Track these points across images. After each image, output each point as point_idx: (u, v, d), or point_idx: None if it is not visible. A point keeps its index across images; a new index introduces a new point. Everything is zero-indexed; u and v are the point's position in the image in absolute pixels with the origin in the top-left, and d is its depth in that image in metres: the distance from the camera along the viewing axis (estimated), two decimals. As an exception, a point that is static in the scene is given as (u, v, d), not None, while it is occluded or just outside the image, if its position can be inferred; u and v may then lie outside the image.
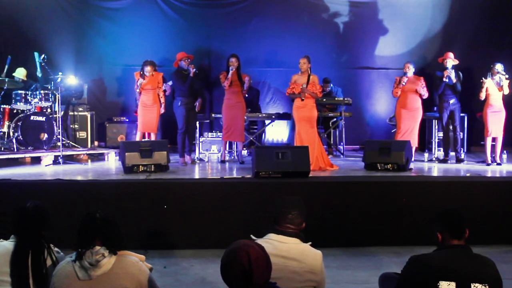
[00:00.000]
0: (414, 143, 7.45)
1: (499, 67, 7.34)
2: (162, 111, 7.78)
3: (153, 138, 7.64)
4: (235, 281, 2.11)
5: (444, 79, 7.47)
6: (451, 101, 7.60)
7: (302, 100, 6.91)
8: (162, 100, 7.69)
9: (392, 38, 9.96)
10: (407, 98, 7.48)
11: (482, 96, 7.35)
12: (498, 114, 7.37)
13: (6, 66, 7.97)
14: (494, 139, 7.49)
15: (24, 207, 2.80)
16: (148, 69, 7.41)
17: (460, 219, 2.73)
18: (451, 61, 7.58)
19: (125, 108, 9.79)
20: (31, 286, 2.62)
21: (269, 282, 2.16)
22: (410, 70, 7.50)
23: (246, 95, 8.94)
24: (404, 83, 7.42)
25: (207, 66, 9.81)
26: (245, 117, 8.75)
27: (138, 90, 7.45)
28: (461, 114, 8.12)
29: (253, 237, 2.81)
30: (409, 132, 7.47)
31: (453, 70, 7.49)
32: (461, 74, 7.62)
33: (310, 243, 2.78)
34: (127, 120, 9.33)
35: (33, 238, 2.72)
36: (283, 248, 2.66)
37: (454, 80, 7.45)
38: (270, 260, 2.18)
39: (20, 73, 8.08)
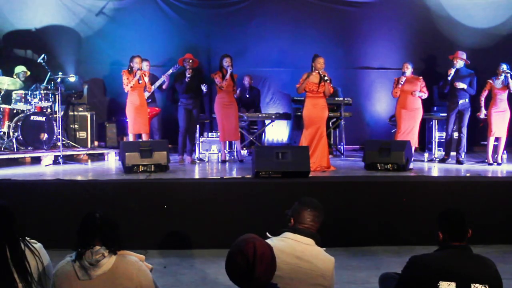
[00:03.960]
0: (414, 143, 7.44)
1: (504, 67, 7.34)
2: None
3: (144, 138, 7.45)
4: (237, 272, 2.10)
5: (448, 77, 7.45)
6: (460, 102, 7.53)
7: (326, 80, 6.68)
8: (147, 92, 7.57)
9: (392, 38, 9.96)
10: (407, 98, 7.47)
11: (483, 95, 7.44)
12: (503, 114, 7.37)
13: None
14: (497, 139, 7.48)
15: None
16: (138, 60, 7.22)
17: (462, 221, 2.71)
18: (460, 61, 7.53)
19: (125, 108, 9.77)
20: (16, 279, 2.62)
21: (271, 283, 2.16)
22: (409, 69, 7.50)
23: (247, 95, 8.95)
24: (402, 83, 7.42)
25: (207, 66, 9.81)
26: (245, 117, 8.78)
27: (130, 87, 7.22)
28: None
29: (269, 235, 2.81)
30: (409, 132, 7.46)
31: (461, 83, 7.42)
32: (475, 79, 7.54)
33: (324, 248, 2.78)
34: (127, 120, 9.31)
35: (5, 234, 2.71)
36: (298, 248, 2.65)
37: (462, 86, 7.40)
38: (276, 262, 2.17)
39: (21, 69, 8.12)
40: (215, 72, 7.63)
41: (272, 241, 2.71)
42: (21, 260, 2.65)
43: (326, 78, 6.71)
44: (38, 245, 2.80)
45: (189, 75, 7.36)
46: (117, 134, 9.18)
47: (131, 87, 7.25)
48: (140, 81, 7.26)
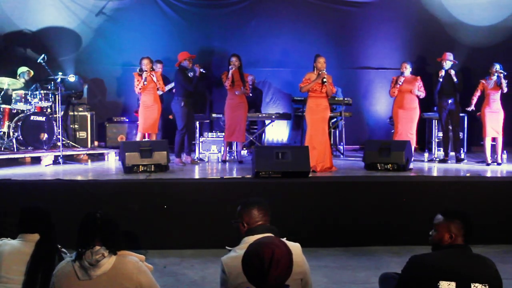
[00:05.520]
0: (413, 143, 7.44)
1: (497, 67, 7.36)
2: None
3: (153, 138, 7.57)
4: (250, 272, 2.10)
5: (439, 79, 7.51)
6: (450, 101, 7.61)
7: (324, 83, 6.71)
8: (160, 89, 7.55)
9: (392, 38, 9.96)
10: (404, 98, 7.48)
11: (476, 95, 7.49)
12: (496, 114, 7.39)
13: None
14: (494, 139, 7.50)
15: (43, 209, 2.87)
16: (145, 62, 7.28)
17: (470, 224, 2.71)
18: (449, 62, 7.63)
19: (125, 108, 9.79)
20: (37, 283, 2.65)
21: (284, 285, 2.15)
22: (407, 69, 7.50)
23: (250, 94, 8.93)
24: (400, 83, 7.42)
25: (207, 66, 9.81)
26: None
27: (139, 88, 7.27)
28: (461, 114, 8.15)
29: (228, 248, 2.76)
30: (407, 132, 7.46)
31: (453, 71, 7.51)
32: (460, 74, 7.66)
33: (285, 238, 2.77)
34: (127, 120, 9.33)
35: (54, 238, 2.77)
36: None
37: (455, 79, 7.47)
38: (292, 267, 2.16)
39: (25, 69, 8.14)
40: (223, 72, 7.64)
41: (235, 251, 2.66)
42: (52, 268, 2.67)
43: (325, 80, 6.71)
44: (67, 256, 2.83)
45: (203, 70, 7.36)
46: (118, 134, 9.18)
47: (140, 88, 7.31)
48: (145, 83, 7.27)
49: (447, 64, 7.62)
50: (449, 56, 7.67)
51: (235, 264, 2.56)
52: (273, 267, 2.05)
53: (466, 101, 7.84)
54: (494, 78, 7.34)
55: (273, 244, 2.11)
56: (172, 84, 8.07)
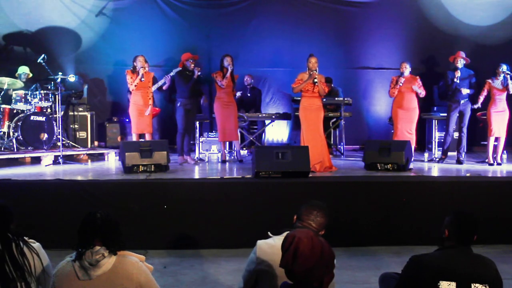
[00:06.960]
0: (412, 143, 7.42)
1: (504, 67, 7.34)
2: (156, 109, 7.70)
3: (148, 138, 7.44)
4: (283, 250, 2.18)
5: (456, 80, 7.43)
6: (462, 101, 7.54)
7: (315, 83, 6.72)
8: (150, 101, 7.48)
9: (392, 38, 9.96)
10: (404, 98, 7.46)
11: (483, 95, 7.45)
12: (502, 114, 7.38)
13: None
14: (496, 139, 7.49)
15: None
16: (141, 59, 7.23)
17: (473, 228, 2.70)
18: (462, 60, 7.55)
19: (125, 108, 9.76)
20: (15, 278, 2.64)
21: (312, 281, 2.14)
22: (407, 69, 7.47)
23: (248, 95, 8.95)
24: (401, 84, 7.40)
25: (207, 66, 9.82)
26: (245, 117, 8.78)
27: (135, 85, 7.20)
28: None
29: (270, 234, 2.86)
30: (407, 132, 7.46)
31: (465, 84, 7.46)
32: (474, 79, 7.59)
33: None
34: (127, 120, 9.32)
35: (2, 233, 2.72)
36: None
37: (467, 91, 7.43)
38: (325, 267, 2.15)
39: (24, 70, 8.15)
40: (216, 72, 7.64)
41: (274, 240, 2.76)
42: (19, 259, 2.66)
43: (316, 81, 6.71)
44: (36, 245, 2.81)
45: (199, 73, 7.38)
46: (118, 134, 9.18)
47: (136, 85, 7.24)
48: (142, 79, 7.24)
49: (461, 63, 7.52)
50: (462, 54, 7.60)
51: (267, 250, 2.73)
52: (299, 257, 2.08)
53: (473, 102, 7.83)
54: (501, 78, 7.32)
55: (301, 234, 2.16)
56: (161, 82, 8.05)
